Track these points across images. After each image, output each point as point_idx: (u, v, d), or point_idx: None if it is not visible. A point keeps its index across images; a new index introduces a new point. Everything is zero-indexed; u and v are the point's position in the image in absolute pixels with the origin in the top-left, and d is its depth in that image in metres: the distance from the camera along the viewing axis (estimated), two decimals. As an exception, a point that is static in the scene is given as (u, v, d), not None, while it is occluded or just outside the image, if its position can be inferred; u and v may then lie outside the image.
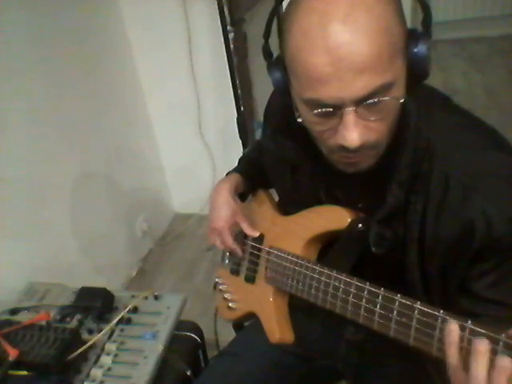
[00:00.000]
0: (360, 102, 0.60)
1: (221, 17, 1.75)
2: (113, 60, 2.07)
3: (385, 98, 0.61)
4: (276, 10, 0.72)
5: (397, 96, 0.63)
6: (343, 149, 0.65)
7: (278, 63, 0.70)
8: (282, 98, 0.73)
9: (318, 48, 0.58)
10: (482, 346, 0.55)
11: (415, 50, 0.63)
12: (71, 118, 1.77)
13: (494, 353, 0.55)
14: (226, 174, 1.07)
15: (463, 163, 0.67)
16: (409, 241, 0.73)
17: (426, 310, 0.64)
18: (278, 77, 0.70)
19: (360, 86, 0.59)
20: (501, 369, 0.53)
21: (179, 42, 2.09)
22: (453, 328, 0.59)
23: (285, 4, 0.67)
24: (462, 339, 0.58)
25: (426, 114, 0.70)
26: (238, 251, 0.98)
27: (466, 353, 0.57)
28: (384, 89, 0.60)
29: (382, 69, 0.59)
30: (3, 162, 1.45)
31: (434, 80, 0.66)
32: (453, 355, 0.58)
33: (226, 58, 1.83)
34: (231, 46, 1.82)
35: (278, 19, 0.98)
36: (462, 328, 0.59)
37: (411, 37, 0.64)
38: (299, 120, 0.69)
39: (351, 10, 0.57)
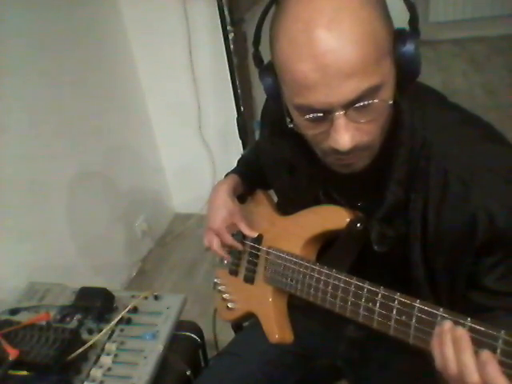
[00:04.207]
0: (349, 106, 0.61)
1: (221, 17, 1.75)
2: (113, 60, 2.07)
3: (374, 101, 0.62)
4: (264, 18, 0.72)
5: (385, 98, 0.63)
6: (336, 151, 0.65)
7: (269, 69, 0.70)
8: (275, 104, 0.74)
9: (304, 55, 0.59)
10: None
11: (403, 50, 0.63)
12: (71, 118, 1.77)
13: (493, 349, 0.55)
14: (225, 176, 1.07)
15: (461, 158, 0.68)
16: (411, 238, 0.73)
17: (425, 308, 0.64)
18: (269, 83, 0.71)
19: (347, 90, 0.59)
20: (485, 361, 0.54)
21: (179, 42, 2.09)
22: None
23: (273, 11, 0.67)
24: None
25: (421, 111, 0.71)
26: (239, 247, 0.98)
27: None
28: (372, 91, 0.61)
29: (369, 72, 0.59)
30: (3, 161, 1.45)
31: (434, 80, 0.67)
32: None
33: (226, 58, 1.83)
34: (231, 46, 1.82)
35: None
36: (461, 326, 0.59)
37: (398, 37, 0.64)
38: (291, 126, 0.70)
39: (335, 16, 0.58)
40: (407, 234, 0.73)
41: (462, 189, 0.66)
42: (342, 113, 0.61)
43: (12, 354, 1.00)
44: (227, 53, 1.82)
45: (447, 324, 0.59)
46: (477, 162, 0.67)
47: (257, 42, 0.75)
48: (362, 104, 0.61)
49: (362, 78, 0.59)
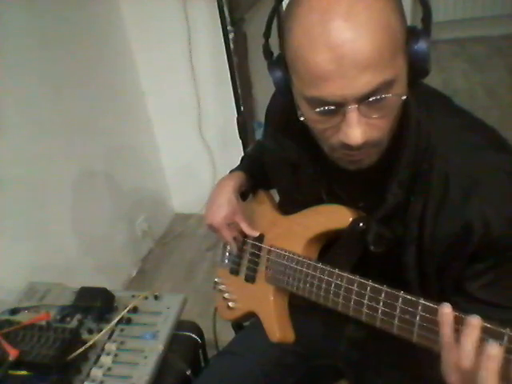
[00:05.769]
0: (362, 100, 0.60)
1: (221, 17, 1.75)
2: (113, 60, 2.07)
3: (387, 95, 0.61)
4: (276, 9, 0.72)
5: (399, 93, 0.63)
6: (346, 146, 0.65)
7: (279, 62, 0.70)
8: (283, 98, 0.73)
9: (320, 46, 0.58)
10: (475, 321, 0.56)
11: (415, 47, 0.63)
12: (71, 117, 1.77)
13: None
14: (230, 172, 1.07)
15: (463, 164, 0.67)
16: (407, 241, 0.73)
17: (429, 305, 0.63)
18: (279, 76, 0.70)
19: (363, 82, 0.59)
20: (489, 357, 0.53)
21: (179, 41, 2.09)
22: (446, 311, 0.59)
23: (285, 3, 0.67)
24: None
25: (427, 114, 0.71)
26: (237, 245, 0.98)
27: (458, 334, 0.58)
28: (386, 86, 0.60)
29: (384, 65, 0.59)
30: (3, 161, 1.45)
31: (434, 80, 0.67)
32: (445, 334, 0.59)
33: (226, 58, 1.83)
34: (231, 46, 1.82)
35: (279, 18, 0.98)
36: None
37: (411, 34, 0.64)
38: (301, 119, 0.69)
39: (352, 7, 0.57)
40: (403, 236, 0.73)
41: (462, 195, 0.66)
42: (354, 107, 0.61)
43: (12, 353, 1.00)
44: (227, 53, 1.82)
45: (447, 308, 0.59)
46: (478, 168, 0.67)
47: (268, 33, 0.74)
48: (375, 98, 0.60)
49: (376, 71, 0.59)
